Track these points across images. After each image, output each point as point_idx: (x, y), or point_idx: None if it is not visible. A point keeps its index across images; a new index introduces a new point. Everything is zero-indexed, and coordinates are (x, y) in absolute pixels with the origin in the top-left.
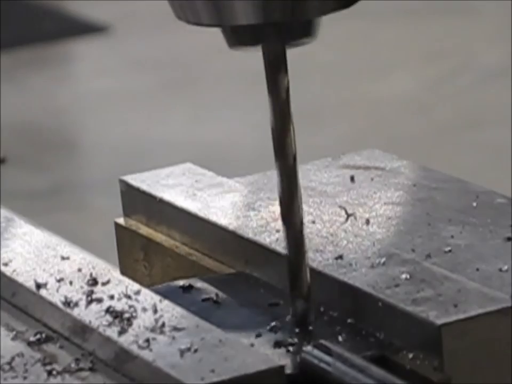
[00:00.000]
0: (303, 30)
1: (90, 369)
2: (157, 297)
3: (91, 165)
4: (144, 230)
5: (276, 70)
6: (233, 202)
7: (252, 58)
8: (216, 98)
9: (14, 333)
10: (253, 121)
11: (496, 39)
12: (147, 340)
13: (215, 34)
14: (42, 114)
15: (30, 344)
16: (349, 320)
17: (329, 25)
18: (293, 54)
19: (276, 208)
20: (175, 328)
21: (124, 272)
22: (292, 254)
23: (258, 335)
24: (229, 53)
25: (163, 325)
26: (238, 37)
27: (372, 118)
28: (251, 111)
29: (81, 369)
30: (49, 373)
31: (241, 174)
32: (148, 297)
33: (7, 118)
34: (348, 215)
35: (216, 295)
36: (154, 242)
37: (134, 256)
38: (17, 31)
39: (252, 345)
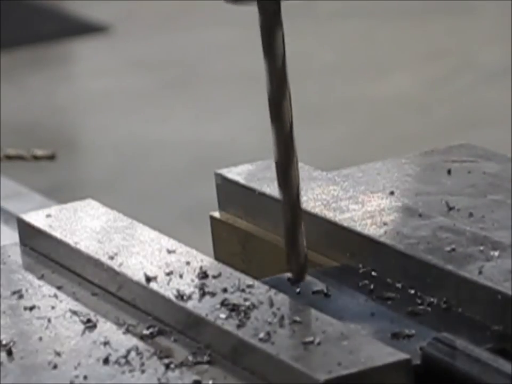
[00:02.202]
0: None
1: (209, 362)
2: (271, 290)
3: (91, 165)
4: (242, 223)
5: (271, 26)
6: (334, 195)
7: (252, 58)
8: (216, 98)
9: (126, 326)
10: (253, 121)
11: (496, 39)
12: (268, 333)
13: (215, 34)
14: (42, 114)
15: (143, 337)
16: (464, 312)
17: (330, 25)
18: (293, 54)
19: (380, 201)
20: (295, 321)
21: None
22: (288, 219)
23: (374, 328)
24: (229, 53)
25: (282, 317)
26: None
27: (372, 118)
28: (251, 110)
29: (199, 363)
30: (167, 366)
31: None
32: (262, 290)
33: (7, 118)
34: (450, 208)
35: (327, 287)
36: (253, 236)
37: (231, 249)
38: (17, 31)
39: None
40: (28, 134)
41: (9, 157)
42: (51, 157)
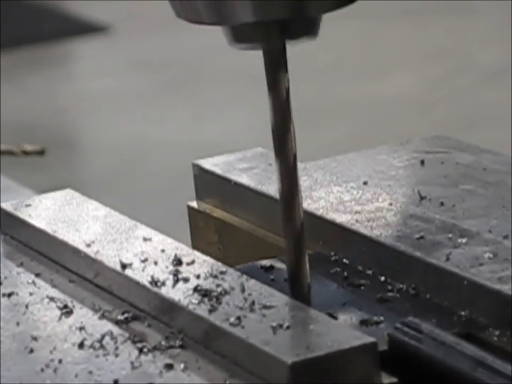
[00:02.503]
0: (304, 28)
1: (181, 346)
2: (243, 277)
3: (91, 165)
4: (219, 213)
5: (276, 68)
6: (308, 185)
7: (252, 58)
8: (216, 98)
9: (101, 312)
10: (253, 121)
11: (496, 39)
12: (238, 318)
13: (215, 34)
14: (42, 114)
15: (118, 323)
16: (432, 298)
17: (330, 25)
18: (293, 54)
19: (353, 191)
20: (265, 306)
21: None
22: (292, 249)
23: (344, 314)
24: (229, 53)
25: (253, 303)
26: (239, 35)
27: (372, 118)
28: (251, 110)
29: (171, 347)
30: (140, 350)
31: None
32: (234, 276)
33: (7, 118)
34: (422, 198)
35: None
36: (229, 224)
37: (208, 239)
38: (17, 31)
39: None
40: (28, 134)
41: None
42: (41, 152)
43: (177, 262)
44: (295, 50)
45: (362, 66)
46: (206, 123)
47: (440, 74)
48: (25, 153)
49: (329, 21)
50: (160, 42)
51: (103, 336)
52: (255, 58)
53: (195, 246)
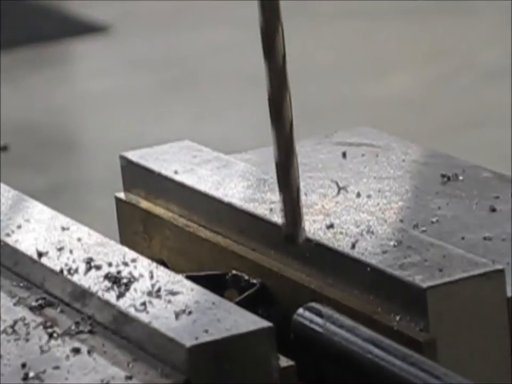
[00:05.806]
0: None
1: (90, 331)
2: (153, 264)
3: (91, 165)
4: (144, 203)
5: (271, 24)
6: (228, 176)
7: (252, 58)
8: (216, 98)
9: (17, 298)
10: (253, 120)
11: (496, 39)
12: (143, 303)
13: (215, 34)
14: (42, 114)
15: (31, 309)
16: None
17: (330, 25)
18: (293, 54)
19: (270, 180)
20: (171, 292)
21: (124, 244)
22: (288, 205)
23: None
24: (229, 53)
25: (159, 289)
26: None
27: (372, 118)
28: (251, 110)
29: (81, 332)
30: (50, 335)
31: None
32: (145, 263)
33: (7, 117)
34: (339, 189)
35: None
36: (153, 215)
37: (134, 229)
38: (17, 31)
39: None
40: (28, 134)
41: None
42: (4, 148)
43: (92, 250)
44: (295, 51)
45: (362, 66)
46: (206, 123)
47: (440, 74)
48: None
49: (329, 21)
50: (160, 42)
51: (15, 322)
52: (255, 58)
53: (123, 236)
